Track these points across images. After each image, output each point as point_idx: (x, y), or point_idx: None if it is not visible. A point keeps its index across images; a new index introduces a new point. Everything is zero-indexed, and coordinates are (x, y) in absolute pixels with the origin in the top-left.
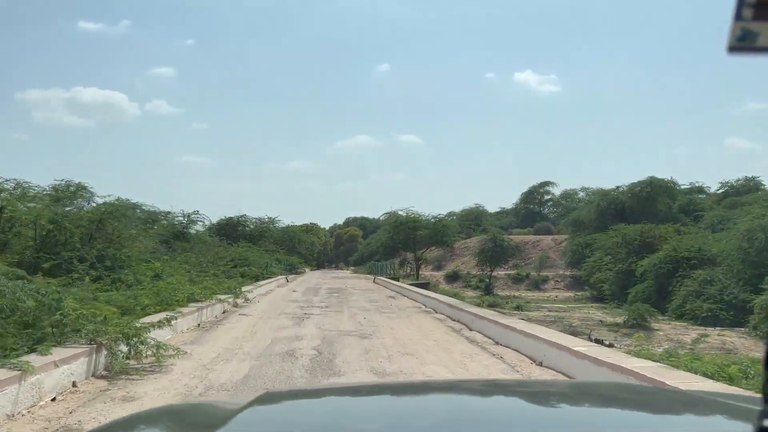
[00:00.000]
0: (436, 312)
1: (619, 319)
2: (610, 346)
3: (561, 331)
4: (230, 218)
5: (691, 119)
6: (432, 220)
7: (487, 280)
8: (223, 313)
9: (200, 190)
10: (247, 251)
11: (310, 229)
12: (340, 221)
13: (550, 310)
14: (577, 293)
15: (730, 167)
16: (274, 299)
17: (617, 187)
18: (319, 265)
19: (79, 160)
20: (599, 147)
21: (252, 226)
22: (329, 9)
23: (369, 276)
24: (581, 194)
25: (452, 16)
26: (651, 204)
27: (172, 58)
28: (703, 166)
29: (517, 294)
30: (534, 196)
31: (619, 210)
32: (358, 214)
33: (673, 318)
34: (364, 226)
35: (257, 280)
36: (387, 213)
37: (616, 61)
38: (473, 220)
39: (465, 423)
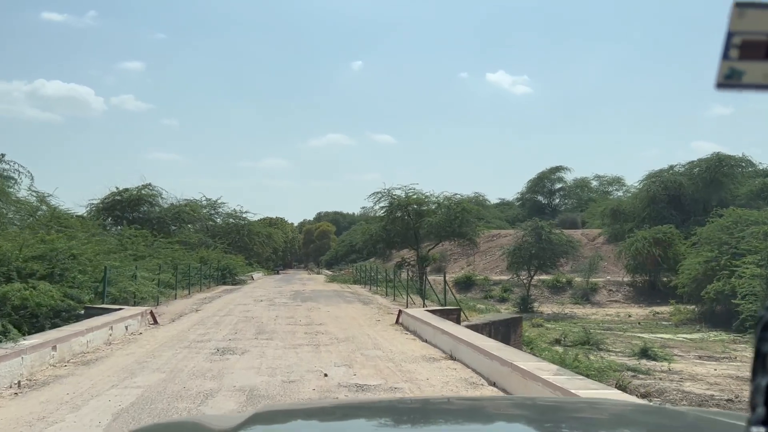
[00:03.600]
0: None
1: None
2: None
3: None
4: (125, 191)
5: (661, 122)
6: (444, 201)
7: (525, 290)
8: None
9: (169, 187)
10: (90, 246)
11: (274, 223)
12: (311, 217)
13: (682, 350)
14: (655, 309)
15: None
16: None
17: (670, 167)
18: (285, 266)
19: (44, 155)
20: (571, 149)
21: (165, 206)
22: (304, 5)
23: (365, 292)
24: (594, 183)
25: (427, 15)
26: (716, 187)
27: (141, 52)
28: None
29: (566, 311)
30: (543, 184)
31: (675, 195)
32: (331, 209)
33: None
34: (338, 221)
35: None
36: (376, 194)
37: (588, 64)
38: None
39: None
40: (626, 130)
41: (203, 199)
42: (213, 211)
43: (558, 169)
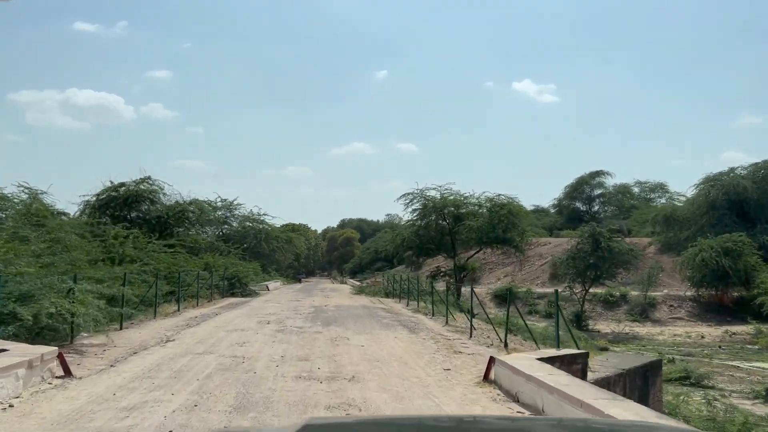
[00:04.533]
0: None
1: None
2: None
3: None
4: (121, 185)
5: (688, 132)
6: (486, 203)
7: (579, 305)
8: None
9: (194, 194)
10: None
11: (297, 229)
12: (335, 225)
13: None
14: (729, 329)
15: None
16: None
17: (731, 170)
18: (308, 274)
19: (73, 162)
20: (598, 158)
21: (167, 203)
22: (328, 15)
23: (402, 310)
24: (636, 189)
25: (452, 25)
26: None
27: (169, 61)
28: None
29: (626, 329)
30: (582, 189)
31: (737, 201)
32: (355, 214)
33: None
34: (362, 228)
35: None
36: (407, 195)
37: (615, 73)
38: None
39: None
40: (653, 139)
41: (218, 199)
42: (228, 213)
43: (598, 173)
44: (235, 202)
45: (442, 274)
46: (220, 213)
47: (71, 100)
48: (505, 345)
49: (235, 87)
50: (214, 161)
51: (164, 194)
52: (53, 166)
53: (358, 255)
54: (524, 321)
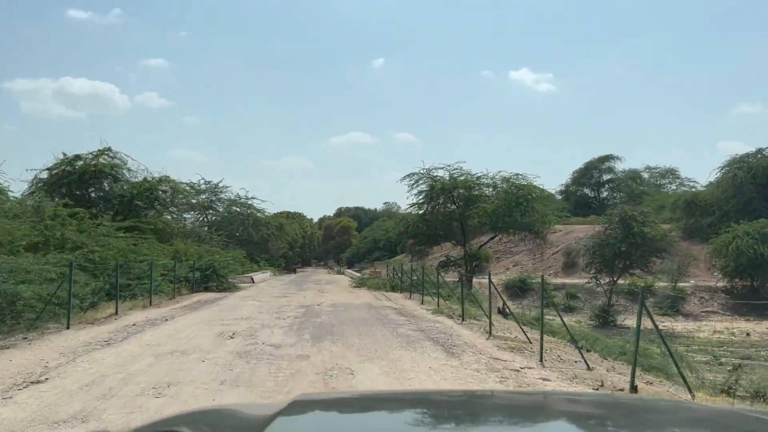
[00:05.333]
0: None
1: None
2: None
3: None
4: (77, 158)
5: (686, 122)
6: (501, 184)
7: (606, 298)
8: None
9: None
10: None
11: (292, 216)
12: (331, 214)
13: None
14: None
15: None
16: None
17: (758, 150)
18: (303, 263)
19: (68, 152)
20: (593, 147)
21: (133, 181)
22: (325, 4)
23: (417, 308)
24: (645, 175)
25: (449, 13)
26: None
27: (165, 50)
28: (699, 168)
29: (661, 326)
30: (591, 175)
31: (766, 184)
32: (352, 205)
33: None
34: (359, 217)
35: None
36: (412, 175)
37: (613, 63)
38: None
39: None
40: (650, 129)
41: (201, 182)
42: (213, 197)
43: (607, 158)
44: (221, 185)
45: (452, 263)
46: (204, 197)
47: (65, 88)
48: (633, 387)
49: (232, 76)
50: (211, 151)
51: (129, 170)
52: (49, 156)
53: (355, 244)
54: (668, 348)
